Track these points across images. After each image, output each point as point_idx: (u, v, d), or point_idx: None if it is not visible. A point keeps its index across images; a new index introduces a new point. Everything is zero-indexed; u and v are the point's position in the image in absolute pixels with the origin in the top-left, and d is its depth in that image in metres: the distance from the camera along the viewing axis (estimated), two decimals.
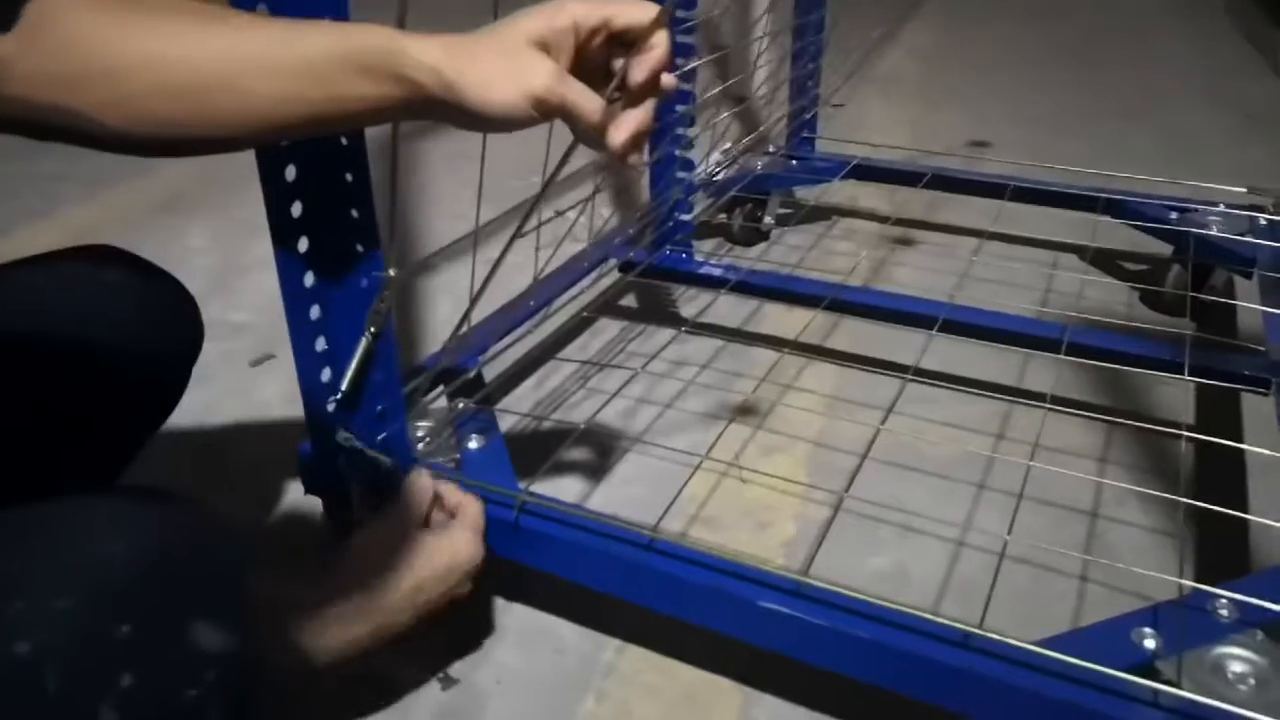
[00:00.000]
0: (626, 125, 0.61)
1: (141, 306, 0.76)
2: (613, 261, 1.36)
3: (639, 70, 0.61)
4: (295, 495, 0.96)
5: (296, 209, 0.75)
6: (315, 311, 0.80)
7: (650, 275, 1.38)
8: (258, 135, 0.56)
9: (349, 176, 0.77)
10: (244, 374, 1.31)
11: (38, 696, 0.38)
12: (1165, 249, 1.47)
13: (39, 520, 0.43)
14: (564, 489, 1.09)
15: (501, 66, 0.57)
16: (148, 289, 0.77)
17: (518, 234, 0.76)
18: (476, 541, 0.79)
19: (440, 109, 0.59)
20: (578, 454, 1.14)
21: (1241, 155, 2.05)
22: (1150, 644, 0.70)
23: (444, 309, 1.40)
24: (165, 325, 0.78)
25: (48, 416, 0.70)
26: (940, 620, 0.71)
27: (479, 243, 0.86)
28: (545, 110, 0.58)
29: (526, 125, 0.60)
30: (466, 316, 0.84)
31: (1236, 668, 0.68)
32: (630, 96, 0.62)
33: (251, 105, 0.54)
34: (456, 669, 0.88)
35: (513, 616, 0.94)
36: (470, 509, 0.81)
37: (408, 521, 0.79)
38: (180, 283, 0.81)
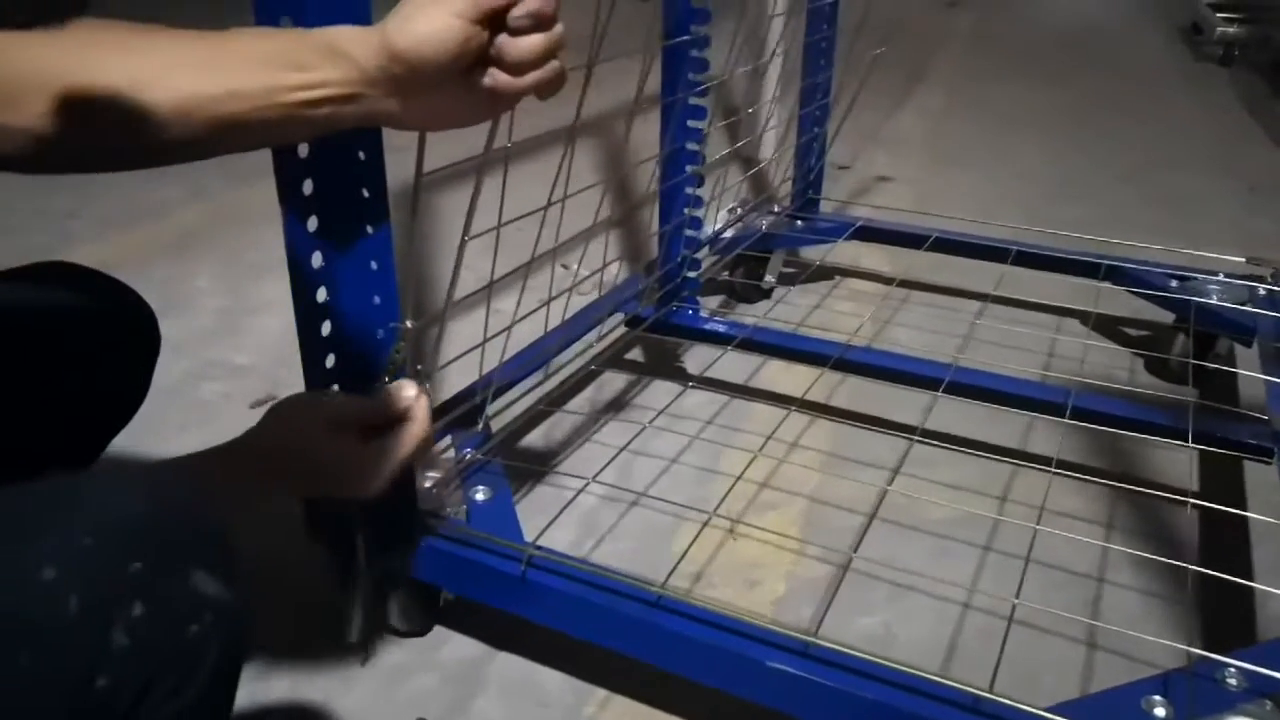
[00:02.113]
0: None
1: (90, 311, 0.78)
2: (620, 316, 1.37)
3: None
4: (293, 538, 0.96)
5: (317, 259, 0.76)
6: (331, 360, 0.80)
7: (657, 330, 1.39)
8: (199, 137, 0.57)
9: (369, 228, 0.78)
10: (244, 415, 1.31)
11: (60, 616, 0.43)
12: (1166, 316, 1.49)
13: (69, 483, 0.48)
14: (554, 540, 1.08)
15: (422, 5, 0.60)
16: (97, 296, 0.79)
17: (465, 237, 0.77)
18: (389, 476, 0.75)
19: (383, 86, 0.61)
20: (577, 507, 1.14)
21: (1243, 225, 2.08)
22: (1160, 712, 0.70)
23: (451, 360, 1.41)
24: (117, 329, 0.80)
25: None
26: (951, 683, 0.71)
27: (492, 296, 0.87)
28: (479, 12, 0.60)
29: (465, 55, 0.61)
30: (434, 361, 0.84)
31: None
32: None
33: (188, 105, 0.55)
34: (437, 716, 0.88)
35: (497, 666, 0.93)
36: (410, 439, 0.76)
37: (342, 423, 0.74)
38: (135, 291, 0.82)
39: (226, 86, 0.57)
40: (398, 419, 0.75)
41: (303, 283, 0.77)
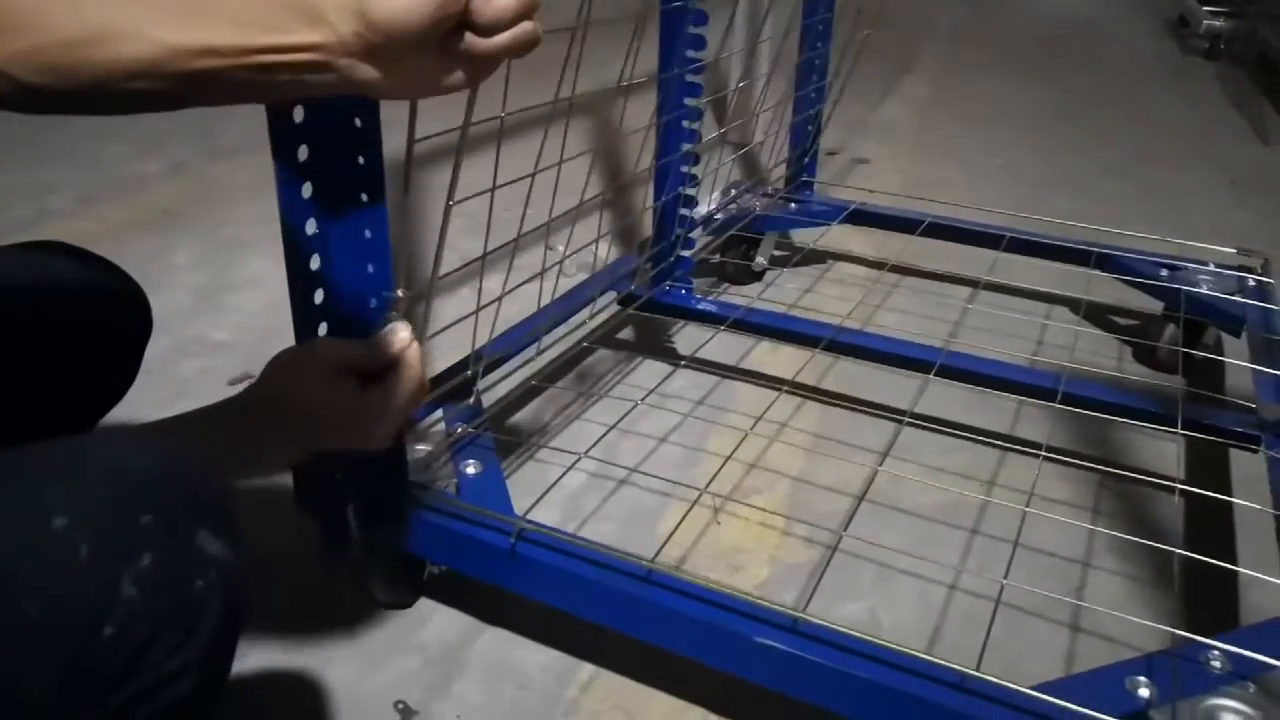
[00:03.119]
0: None
1: (85, 291, 0.77)
2: (612, 294, 1.36)
3: None
4: (278, 517, 0.95)
5: (311, 226, 0.76)
6: (323, 328, 0.80)
7: (650, 310, 1.39)
8: (167, 90, 0.56)
9: (364, 196, 0.77)
10: (222, 392, 1.28)
11: (72, 562, 0.44)
12: (1156, 305, 1.50)
13: (77, 440, 0.49)
14: (542, 520, 1.08)
15: None
16: (92, 276, 0.79)
17: (449, 202, 0.76)
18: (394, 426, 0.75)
19: (359, 54, 0.59)
20: (563, 486, 1.14)
21: (1226, 217, 2.10)
22: (1144, 692, 0.71)
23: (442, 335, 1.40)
24: (112, 311, 0.79)
25: None
26: (938, 661, 0.71)
27: (483, 274, 0.87)
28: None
29: (443, 20, 0.60)
30: (422, 333, 0.83)
31: (1229, 719, 0.69)
32: None
33: (157, 54, 0.54)
34: (417, 699, 0.87)
35: (478, 648, 0.93)
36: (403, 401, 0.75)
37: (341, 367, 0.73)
38: (126, 272, 0.81)
39: (199, 41, 0.55)
40: (392, 362, 0.74)
41: (296, 250, 0.76)
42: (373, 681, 0.89)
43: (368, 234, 0.78)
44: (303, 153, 0.73)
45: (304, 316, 0.78)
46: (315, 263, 0.77)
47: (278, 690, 0.88)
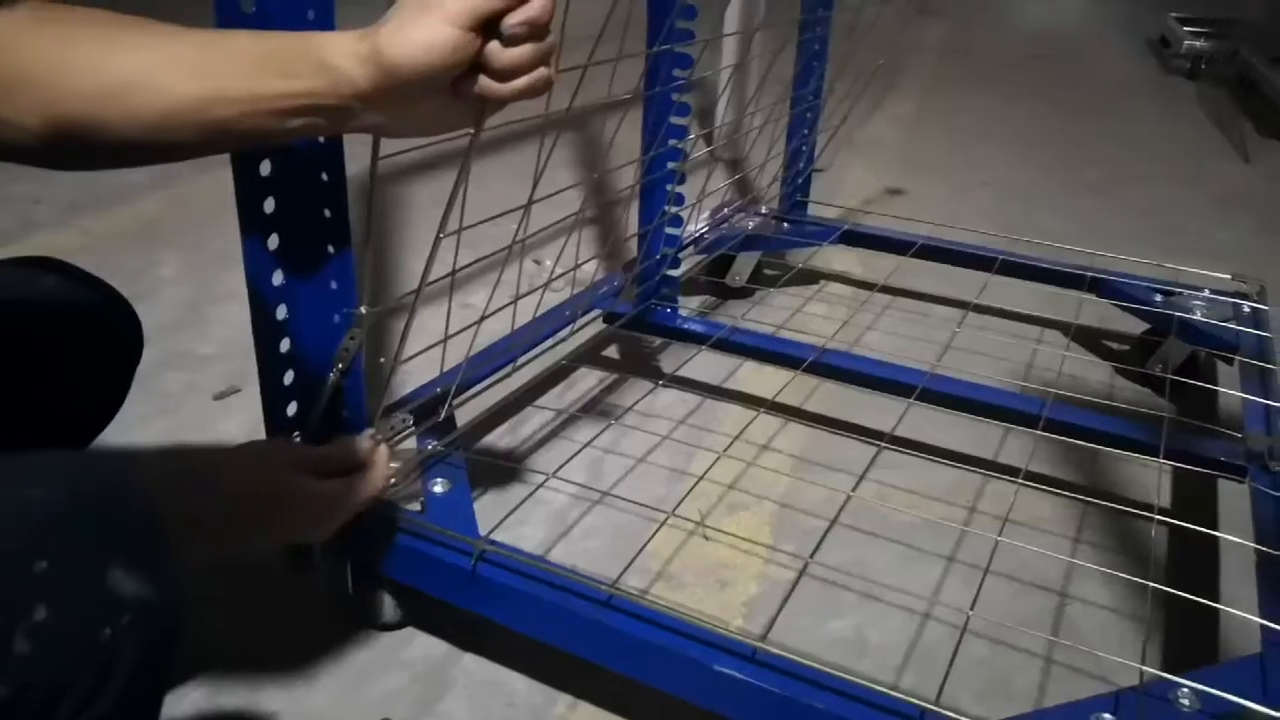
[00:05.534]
0: None
1: (77, 310, 0.77)
2: (596, 311, 1.35)
3: None
4: None
5: (273, 241, 0.75)
6: (285, 345, 0.79)
7: (634, 327, 1.38)
8: (185, 141, 0.56)
9: (327, 212, 0.77)
10: (207, 406, 1.29)
11: None
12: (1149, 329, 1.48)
13: None
14: (525, 538, 1.07)
15: (414, 14, 0.59)
16: (84, 295, 0.78)
17: (441, 231, 0.75)
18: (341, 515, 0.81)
19: (372, 98, 0.60)
20: (542, 503, 1.13)
21: (1210, 235, 2.09)
22: None
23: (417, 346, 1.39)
24: (102, 330, 0.79)
25: None
26: (897, 695, 0.70)
27: (455, 287, 0.86)
28: (475, 18, 0.59)
29: (459, 63, 0.60)
30: (399, 352, 0.84)
31: None
32: None
33: (173, 105, 0.55)
34: (403, 716, 0.86)
35: (463, 667, 0.92)
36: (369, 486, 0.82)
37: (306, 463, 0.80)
38: (118, 291, 0.81)
39: (214, 91, 0.56)
40: (356, 467, 0.82)
41: (258, 266, 0.75)
42: (358, 699, 0.88)
43: (330, 250, 0.78)
44: (265, 168, 0.72)
45: (266, 332, 0.78)
46: (278, 278, 0.77)
47: (261, 709, 0.87)
